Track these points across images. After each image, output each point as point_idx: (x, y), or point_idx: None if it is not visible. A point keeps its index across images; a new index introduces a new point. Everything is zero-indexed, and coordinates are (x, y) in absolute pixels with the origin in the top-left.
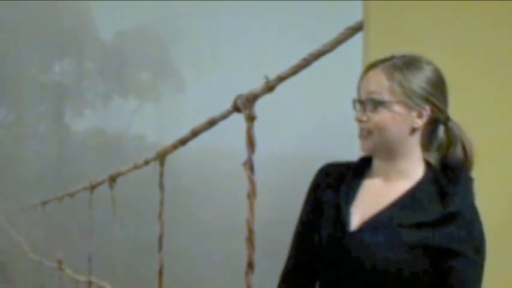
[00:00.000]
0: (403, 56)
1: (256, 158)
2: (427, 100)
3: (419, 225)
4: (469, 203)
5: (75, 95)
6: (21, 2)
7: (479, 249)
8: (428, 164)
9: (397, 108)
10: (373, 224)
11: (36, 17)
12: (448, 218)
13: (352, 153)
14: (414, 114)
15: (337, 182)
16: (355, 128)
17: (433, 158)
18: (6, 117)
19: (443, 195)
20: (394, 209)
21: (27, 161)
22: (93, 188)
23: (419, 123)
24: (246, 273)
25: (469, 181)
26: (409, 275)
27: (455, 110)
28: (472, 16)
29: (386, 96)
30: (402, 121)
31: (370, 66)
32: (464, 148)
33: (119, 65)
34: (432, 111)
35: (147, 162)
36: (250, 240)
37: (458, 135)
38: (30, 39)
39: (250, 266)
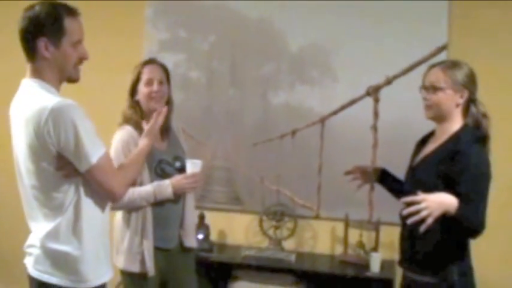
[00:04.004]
0: (449, 60)
1: (378, 123)
2: (466, 87)
3: (441, 160)
4: (471, 144)
5: (274, 83)
6: (246, 26)
7: (474, 177)
8: (465, 125)
9: (448, 91)
10: (421, 161)
11: (254, 36)
12: (455, 153)
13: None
14: (458, 95)
15: (419, 143)
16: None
17: (470, 122)
18: (234, 94)
19: (458, 141)
20: (434, 153)
21: (245, 120)
22: (282, 137)
23: (461, 101)
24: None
25: (478, 134)
26: (432, 187)
27: (485, 95)
28: None
29: (442, 84)
30: (450, 99)
31: (432, 66)
32: (485, 116)
33: (300, 67)
34: (469, 94)
35: (314, 123)
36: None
37: (482, 109)
38: (250, 50)
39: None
